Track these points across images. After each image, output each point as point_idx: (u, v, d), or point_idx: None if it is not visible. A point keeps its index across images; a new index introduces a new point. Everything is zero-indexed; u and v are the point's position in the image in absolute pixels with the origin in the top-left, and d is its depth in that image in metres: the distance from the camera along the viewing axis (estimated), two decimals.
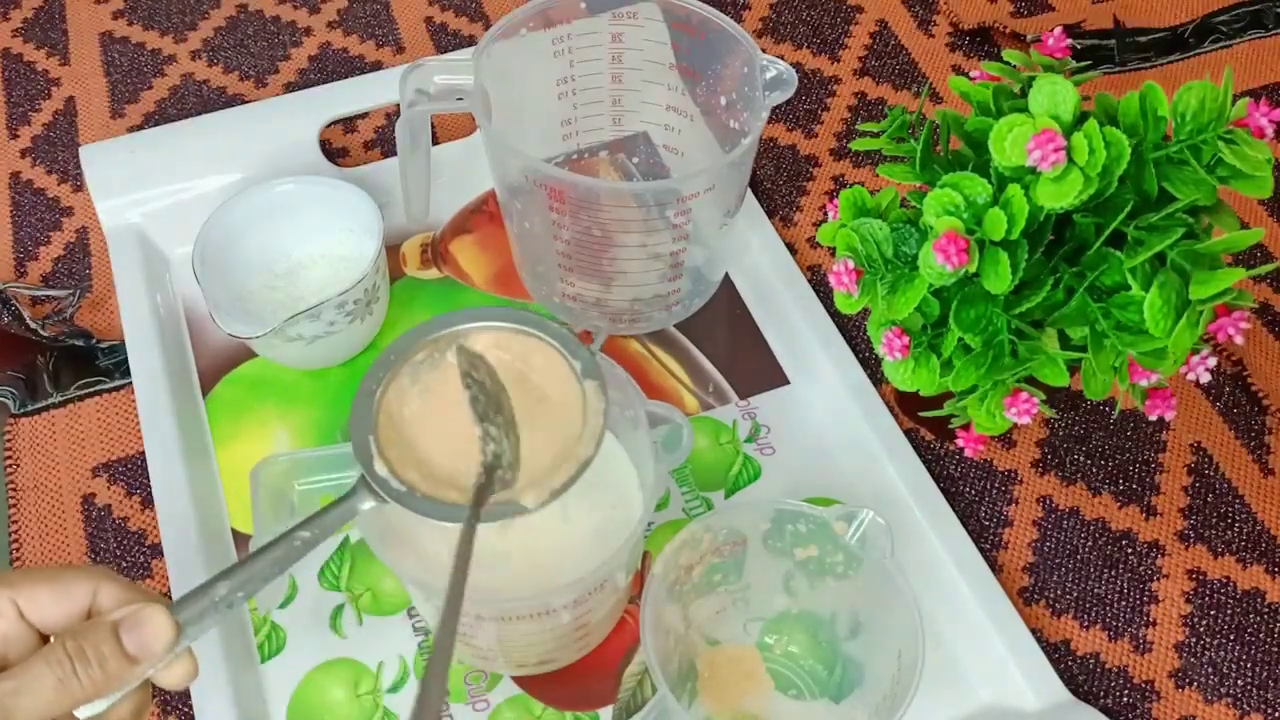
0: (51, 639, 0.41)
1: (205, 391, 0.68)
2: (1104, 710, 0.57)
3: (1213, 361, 0.50)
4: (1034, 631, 0.58)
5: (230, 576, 0.43)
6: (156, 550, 0.63)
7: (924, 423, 0.67)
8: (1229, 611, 0.61)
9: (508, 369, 0.51)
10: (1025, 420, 0.52)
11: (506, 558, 0.53)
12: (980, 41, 0.87)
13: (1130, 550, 0.63)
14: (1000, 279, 0.48)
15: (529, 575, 0.53)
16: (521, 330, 0.51)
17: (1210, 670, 0.59)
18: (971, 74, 0.56)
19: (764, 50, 0.62)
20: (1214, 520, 0.64)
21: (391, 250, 0.74)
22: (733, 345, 0.70)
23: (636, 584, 0.60)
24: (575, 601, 0.51)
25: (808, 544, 0.55)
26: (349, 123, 0.82)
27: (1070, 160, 0.47)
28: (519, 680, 0.58)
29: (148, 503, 0.64)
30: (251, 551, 0.45)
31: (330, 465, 0.52)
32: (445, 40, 0.88)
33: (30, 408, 0.68)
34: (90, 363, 0.70)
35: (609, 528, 0.55)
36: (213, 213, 0.67)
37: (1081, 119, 0.48)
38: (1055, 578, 0.62)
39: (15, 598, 0.40)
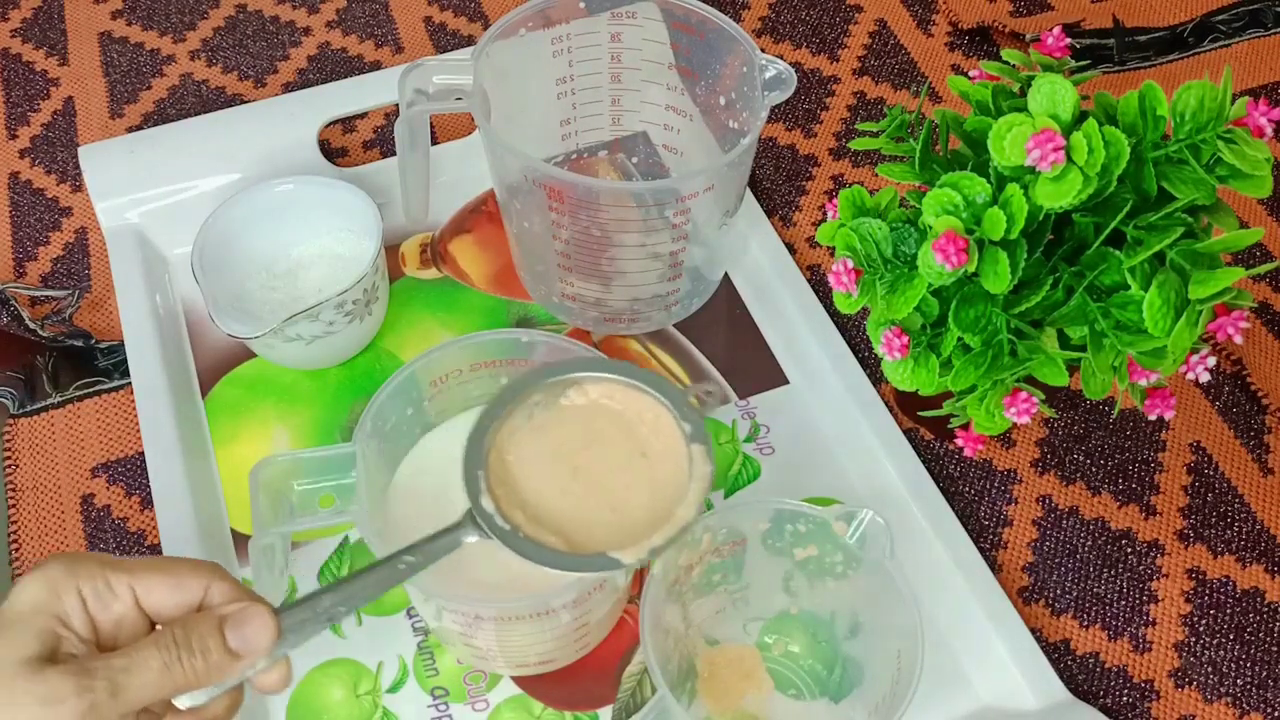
0: (160, 626, 0.43)
1: (204, 392, 0.68)
2: (1103, 710, 0.57)
3: (1212, 361, 0.50)
4: (1034, 631, 0.58)
5: (334, 590, 0.45)
6: (156, 551, 0.63)
7: (923, 422, 0.66)
8: (1228, 611, 0.61)
9: (616, 418, 0.52)
10: (1024, 420, 0.52)
11: (506, 560, 0.53)
12: (979, 41, 0.87)
13: (1130, 550, 0.63)
14: (999, 279, 0.48)
15: (528, 575, 0.53)
16: (635, 386, 0.52)
17: (1210, 669, 0.59)
18: (971, 73, 0.56)
19: (763, 50, 0.62)
20: (1213, 520, 0.64)
21: (391, 250, 0.74)
22: (732, 345, 0.70)
23: (636, 584, 0.60)
24: (575, 601, 0.51)
25: (807, 544, 0.55)
26: (348, 122, 0.82)
27: (1069, 160, 0.47)
28: (519, 680, 0.58)
29: (147, 503, 0.64)
30: (357, 570, 0.47)
31: (330, 466, 0.52)
32: (444, 40, 0.88)
33: (29, 408, 0.68)
34: (89, 363, 0.70)
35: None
36: (212, 213, 0.67)
37: (1081, 118, 0.48)
38: (1055, 577, 0.62)
39: (134, 584, 0.42)
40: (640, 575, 0.60)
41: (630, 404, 0.52)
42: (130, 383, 0.67)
